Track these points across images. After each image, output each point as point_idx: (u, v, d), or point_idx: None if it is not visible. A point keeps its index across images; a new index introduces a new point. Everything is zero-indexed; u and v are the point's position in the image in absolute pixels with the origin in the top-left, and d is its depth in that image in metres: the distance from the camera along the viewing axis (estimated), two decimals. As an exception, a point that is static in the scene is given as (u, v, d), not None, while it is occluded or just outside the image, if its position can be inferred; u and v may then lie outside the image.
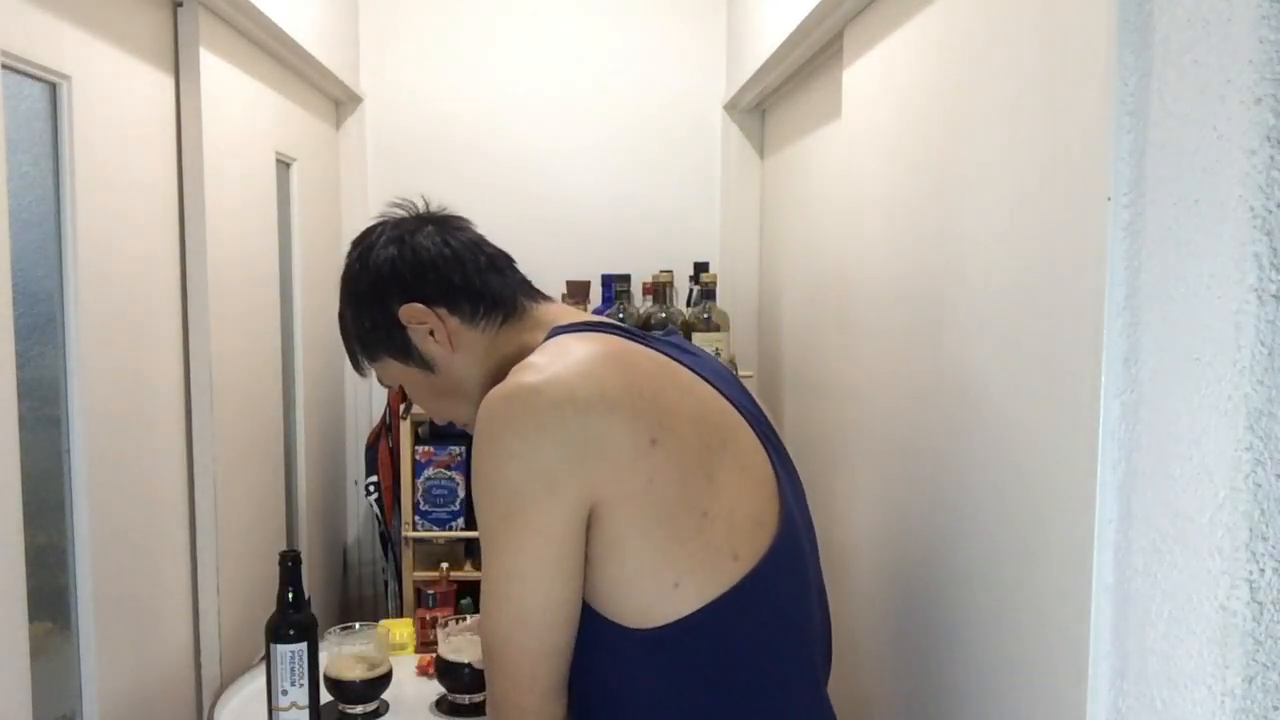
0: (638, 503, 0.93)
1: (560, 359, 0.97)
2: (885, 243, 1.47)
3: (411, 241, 1.13)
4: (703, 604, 0.95)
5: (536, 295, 1.16)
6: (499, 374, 1.04)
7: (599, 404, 0.93)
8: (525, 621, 0.95)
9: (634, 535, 0.94)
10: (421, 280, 1.11)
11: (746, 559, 0.97)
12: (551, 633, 0.96)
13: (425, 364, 1.13)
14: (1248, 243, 0.66)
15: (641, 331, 1.10)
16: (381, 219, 1.18)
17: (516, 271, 1.17)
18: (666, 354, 1.04)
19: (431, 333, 1.11)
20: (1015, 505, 1.02)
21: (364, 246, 1.16)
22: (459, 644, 1.66)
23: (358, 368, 1.20)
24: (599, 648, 0.98)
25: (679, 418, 0.97)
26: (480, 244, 1.16)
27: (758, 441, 1.04)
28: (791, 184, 2.33)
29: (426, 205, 1.19)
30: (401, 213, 1.18)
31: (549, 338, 1.06)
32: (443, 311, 1.11)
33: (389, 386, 1.30)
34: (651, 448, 0.93)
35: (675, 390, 0.99)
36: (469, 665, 1.62)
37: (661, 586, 0.95)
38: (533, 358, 1.00)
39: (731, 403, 1.04)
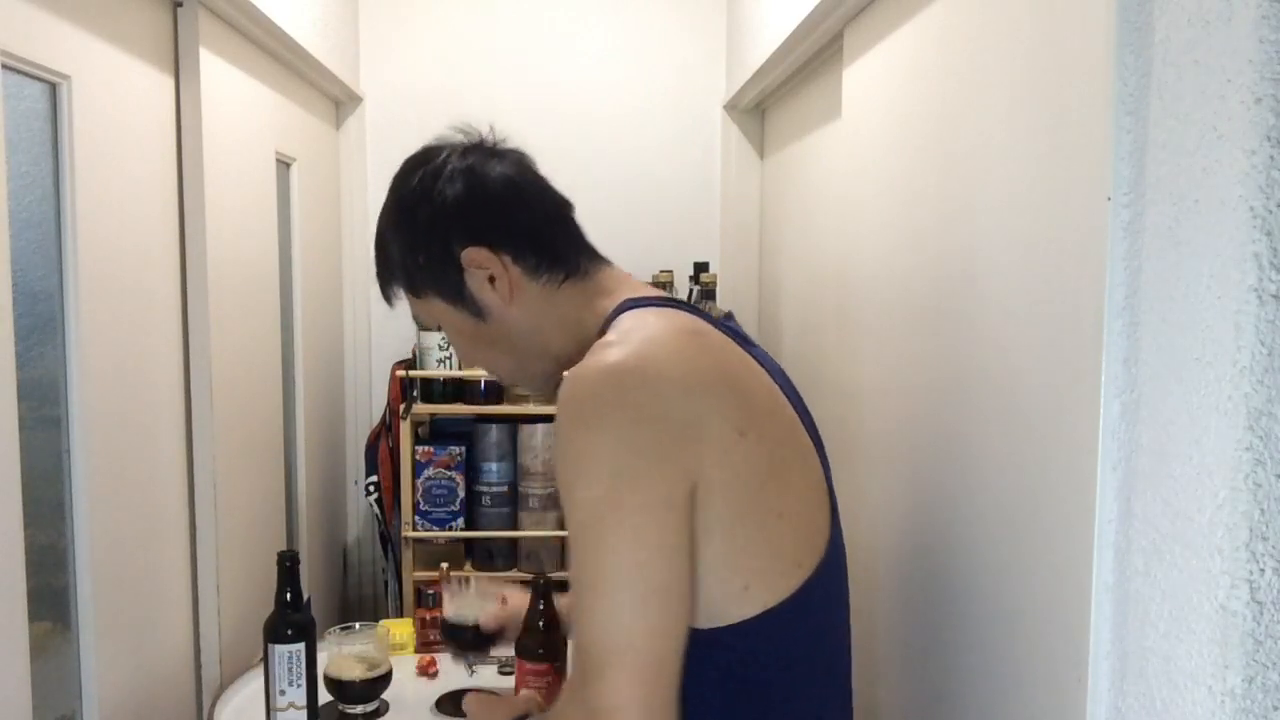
0: (725, 496, 0.86)
1: (648, 337, 0.91)
2: (885, 242, 1.47)
3: (483, 178, 1.03)
4: (764, 609, 0.90)
5: (596, 257, 1.08)
6: (554, 335, 1.01)
7: (696, 388, 0.87)
8: (646, 610, 0.82)
9: (718, 530, 0.87)
10: (490, 223, 1.02)
11: (806, 566, 0.92)
12: (678, 624, 0.83)
13: (476, 311, 1.04)
14: (1248, 243, 0.66)
15: (709, 314, 1.02)
16: (442, 142, 1.07)
17: (579, 226, 1.08)
18: (736, 342, 0.98)
19: (491, 279, 1.02)
20: (1015, 505, 1.02)
21: (428, 172, 1.04)
22: (465, 604, 1.55)
23: (387, 297, 1.09)
24: None
25: (760, 411, 0.91)
26: (548, 189, 1.07)
27: (811, 443, 0.98)
28: (791, 184, 2.33)
29: (493, 135, 1.07)
30: (464, 139, 1.06)
31: (620, 310, 0.99)
32: (507, 259, 1.02)
33: (424, 324, 1.22)
34: (739, 439, 0.87)
35: (754, 380, 0.94)
36: (475, 628, 1.52)
37: (731, 588, 0.89)
38: (615, 334, 0.93)
39: (789, 399, 0.99)
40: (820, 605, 0.95)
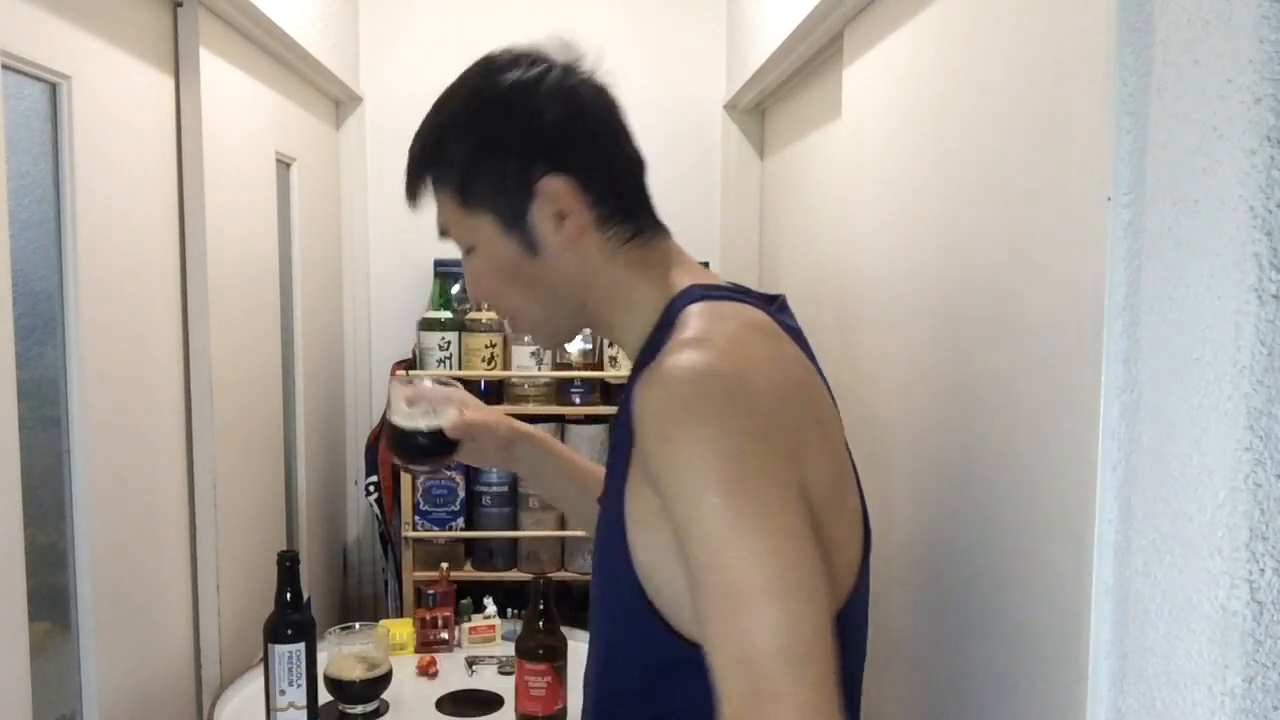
0: (812, 505, 0.80)
1: (734, 338, 0.84)
2: (885, 242, 1.47)
3: (586, 107, 0.93)
4: None
5: (660, 226, 0.98)
6: (599, 295, 0.93)
7: (791, 398, 0.82)
8: (815, 612, 0.74)
9: None
10: (582, 159, 0.91)
11: (855, 575, 0.88)
12: (830, 625, 0.75)
13: (529, 244, 0.92)
14: (1248, 243, 0.66)
15: (766, 298, 0.95)
16: (535, 50, 0.95)
17: (648, 189, 0.98)
18: (797, 344, 0.91)
19: (561, 217, 0.91)
20: (1015, 505, 1.02)
21: (524, 80, 0.92)
22: (419, 406, 1.18)
23: (415, 194, 0.96)
24: (692, 664, 0.80)
25: (829, 416, 0.88)
26: (632, 139, 0.96)
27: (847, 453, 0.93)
28: (791, 184, 2.33)
29: (595, 61, 0.96)
30: (563, 56, 0.95)
31: (689, 298, 0.90)
32: (587, 200, 0.91)
33: (452, 238, 0.98)
34: (822, 445, 0.84)
35: (821, 392, 0.89)
36: (433, 433, 1.17)
37: None
38: (694, 329, 0.85)
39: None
40: (861, 615, 0.92)
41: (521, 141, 0.91)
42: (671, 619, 0.83)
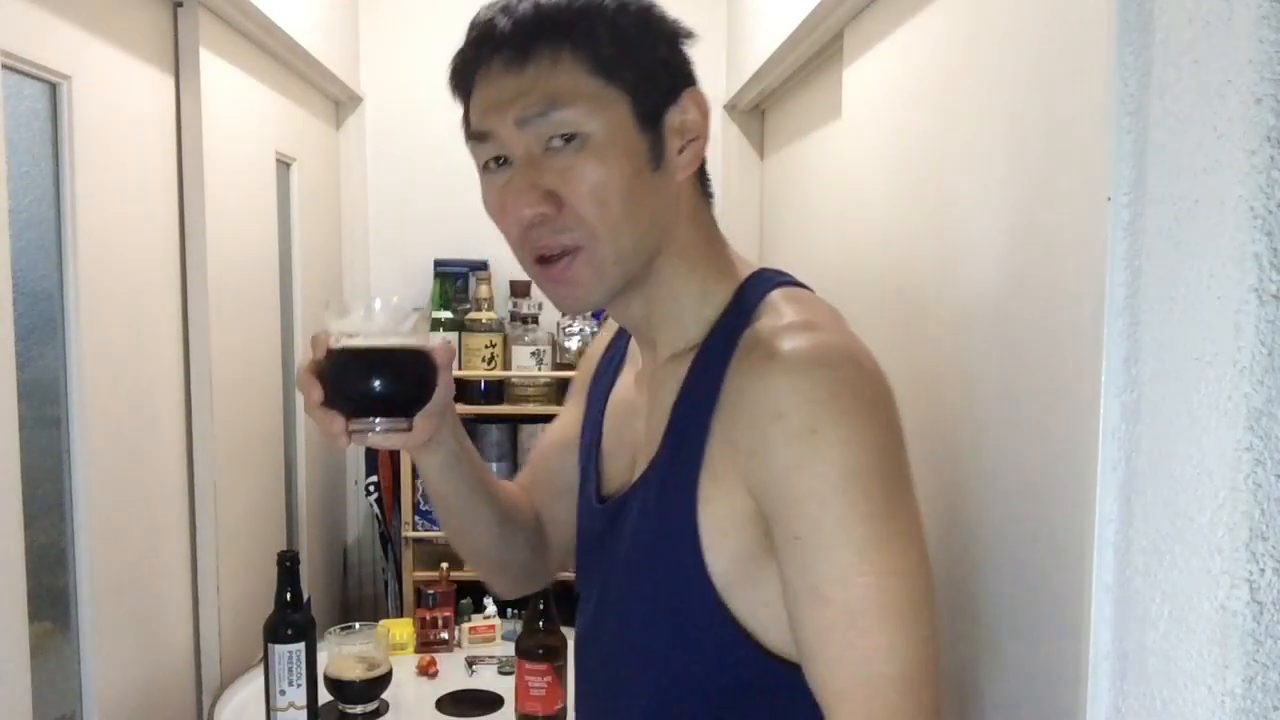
0: None
1: (843, 327, 0.79)
2: (885, 242, 1.47)
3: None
4: None
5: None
6: (677, 254, 0.81)
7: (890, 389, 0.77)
8: (935, 634, 0.70)
9: None
10: (704, 109, 0.82)
11: None
12: (937, 641, 0.71)
13: (656, 152, 0.79)
14: (1248, 243, 0.66)
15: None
16: None
17: None
18: None
19: (685, 139, 0.81)
20: (1015, 505, 1.02)
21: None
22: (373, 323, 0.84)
23: (526, 52, 0.77)
24: (780, 685, 0.75)
25: None
26: None
27: None
28: (791, 184, 2.33)
29: None
30: None
31: (771, 284, 0.83)
32: (707, 138, 0.82)
33: (556, 115, 0.76)
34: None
35: None
36: (400, 354, 0.82)
37: None
38: (805, 313, 0.78)
39: None
40: None
41: (678, 39, 0.81)
42: (761, 635, 0.76)
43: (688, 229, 0.83)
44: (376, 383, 0.80)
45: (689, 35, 0.82)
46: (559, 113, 0.76)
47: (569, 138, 0.76)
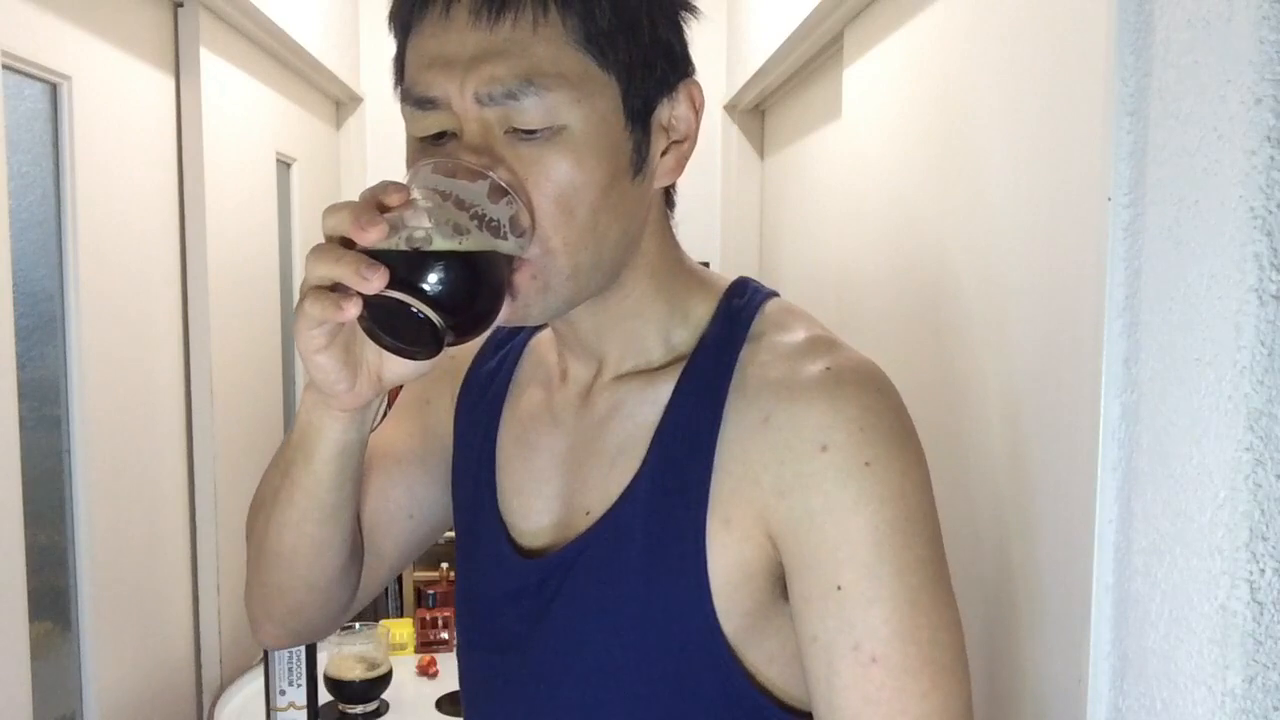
0: None
1: (842, 343, 0.69)
2: (885, 242, 1.47)
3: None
4: None
5: None
6: (641, 264, 0.69)
7: None
8: (968, 676, 0.64)
9: None
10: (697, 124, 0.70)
11: None
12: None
13: (639, 153, 0.65)
14: (1248, 243, 0.66)
15: None
16: None
17: None
18: None
19: (667, 148, 0.68)
20: (1015, 505, 1.02)
21: None
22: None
23: (497, 12, 0.60)
24: None
25: None
26: None
27: None
28: (791, 184, 2.33)
29: None
30: None
31: (753, 294, 0.72)
32: (693, 142, 0.70)
33: (530, 93, 0.60)
34: None
35: None
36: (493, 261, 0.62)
37: None
38: (804, 330, 0.69)
39: None
40: None
41: (680, 27, 0.68)
42: (781, 694, 0.67)
43: (653, 241, 0.70)
44: (468, 278, 0.59)
45: (693, 11, 0.69)
46: (534, 96, 0.60)
47: (547, 125, 0.61)
